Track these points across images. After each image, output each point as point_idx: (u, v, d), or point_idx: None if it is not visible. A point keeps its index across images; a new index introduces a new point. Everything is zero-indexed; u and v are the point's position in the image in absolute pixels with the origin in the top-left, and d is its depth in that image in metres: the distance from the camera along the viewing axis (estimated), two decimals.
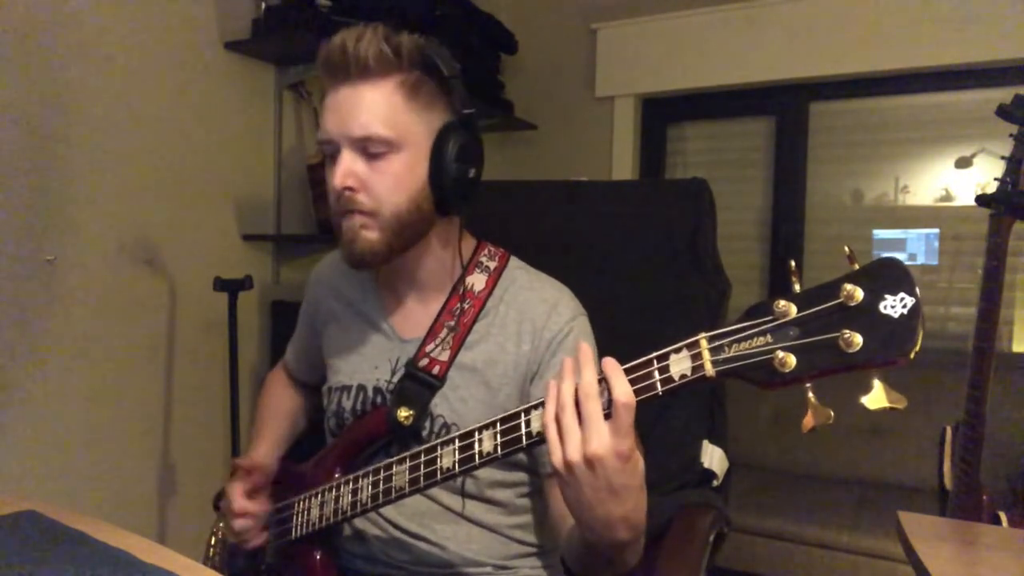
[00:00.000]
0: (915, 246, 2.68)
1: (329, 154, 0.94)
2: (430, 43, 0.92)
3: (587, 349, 0.71)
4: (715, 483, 1.23)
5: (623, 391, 0.67)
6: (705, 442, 1.24)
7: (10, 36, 1.58)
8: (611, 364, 0.69)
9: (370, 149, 0.89)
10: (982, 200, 1.45)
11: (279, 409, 1.23)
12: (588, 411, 0.68)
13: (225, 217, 2.11)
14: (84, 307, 1.75)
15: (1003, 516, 1.48)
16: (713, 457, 1.23)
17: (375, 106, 0.89)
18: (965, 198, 2.59)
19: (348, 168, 0.90)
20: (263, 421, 1.20)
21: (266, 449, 1.13)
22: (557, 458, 0.69)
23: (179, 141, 1.96)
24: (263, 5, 2.09)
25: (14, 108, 1.60)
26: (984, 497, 1.47)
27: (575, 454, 0.68)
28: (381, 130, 0.88)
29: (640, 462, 0.71)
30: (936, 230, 2.65)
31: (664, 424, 1.23)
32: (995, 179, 1.44)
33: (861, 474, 2.43)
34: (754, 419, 2.54)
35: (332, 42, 0.89)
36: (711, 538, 1.12)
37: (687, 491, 1.20)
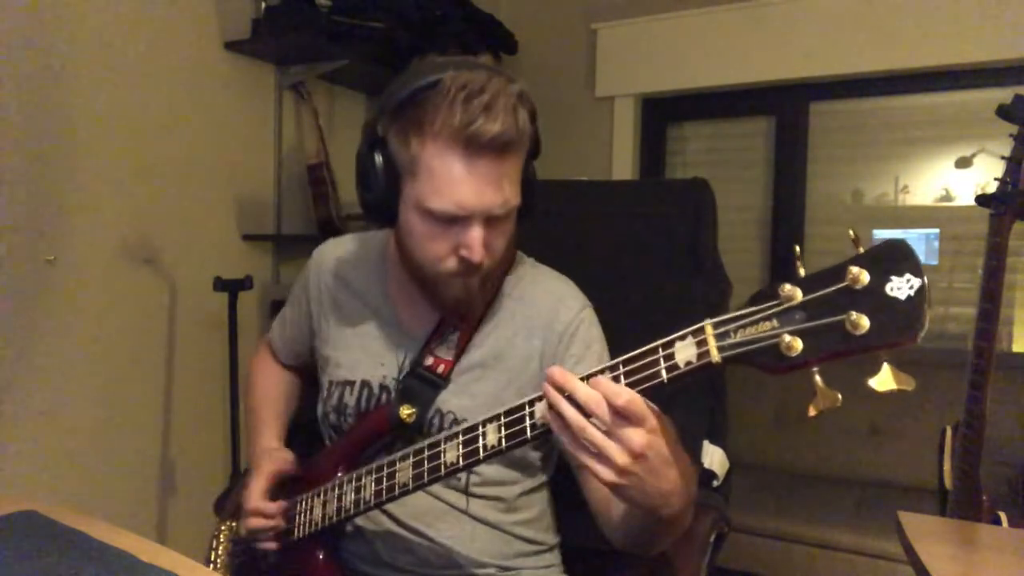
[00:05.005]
0: (915, 246, 2.63)
1: (444, 218, 0.86)
2: (529, 100, 0.87)
3: (556, 373, 0.68)
4: (715, 483, 1.22)
5: (615, 392, 0.64)
6: (705, 442, 1.23)
7: (10, 36, 1.58)
8: (595, 379, 0.67)
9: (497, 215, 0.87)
10: (982, 200, 1.45)
11: (275, 393, 1.20)
12: (603, 418, 0.65)
13: (225, 217, 2.11)
14: (84, 307, 1.75)
15: (1003, 516, 1.47)
16: (713, 457, 1.22)
17: (514, 179, 0.87)
18: (965, 198, 2.59)
19: (485, 241, 0.86)
20: (262, 408, 1.17)
21: (274, 436, 1.12)
22: (608, 475, 0.66)
23: (179, 141, 1.95)
24: (263, 5, 2.09)
25: (14, 108, 1.59)
26: (984, 497, 1.47)
27: (624, 458, 0.65)
28: (517, 201, 0.88)
29: (663, 425, 0.68)
30: (936, 230, 2.64)
31: None
32: (995, 179, 1.44)
33: (861, 474, 2.42)
34: (754, 419, 2.53)
35: (468, 113, 0.80)
36: (711, 538, 1.12)
37: None
